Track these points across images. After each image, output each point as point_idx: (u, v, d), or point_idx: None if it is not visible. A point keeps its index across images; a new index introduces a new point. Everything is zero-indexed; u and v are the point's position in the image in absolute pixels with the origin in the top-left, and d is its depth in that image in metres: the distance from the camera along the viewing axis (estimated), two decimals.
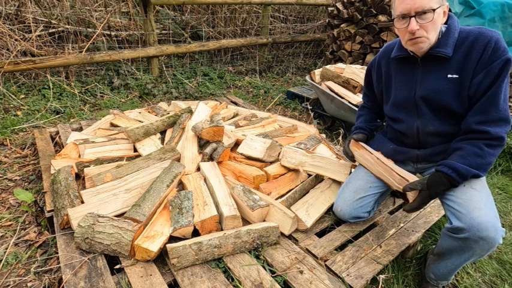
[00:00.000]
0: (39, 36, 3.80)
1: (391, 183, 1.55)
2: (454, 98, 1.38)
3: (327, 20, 4.61)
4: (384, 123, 1.84)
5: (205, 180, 1.93)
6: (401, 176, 1.50)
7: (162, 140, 2.47)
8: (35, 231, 1.82)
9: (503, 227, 2.15)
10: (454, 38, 1.34)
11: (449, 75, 1.36)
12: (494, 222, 1.24)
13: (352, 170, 1.90)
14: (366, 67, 1.94)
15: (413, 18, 1.31)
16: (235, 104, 3.66)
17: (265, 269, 1.47)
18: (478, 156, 1.32)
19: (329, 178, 1.99)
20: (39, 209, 1.96)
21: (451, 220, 1.34)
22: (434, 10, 1.27)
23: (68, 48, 3.84)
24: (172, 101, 3.26)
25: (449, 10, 3.14)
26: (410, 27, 1.31)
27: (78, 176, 2.00)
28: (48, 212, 1.76)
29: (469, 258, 1.36)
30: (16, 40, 3.51)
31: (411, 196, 1.46)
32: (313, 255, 1.58)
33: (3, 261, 1.61)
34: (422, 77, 1.44)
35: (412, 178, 1.48)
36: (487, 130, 1.30)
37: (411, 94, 1.49)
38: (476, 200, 1.30)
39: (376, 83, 1.72)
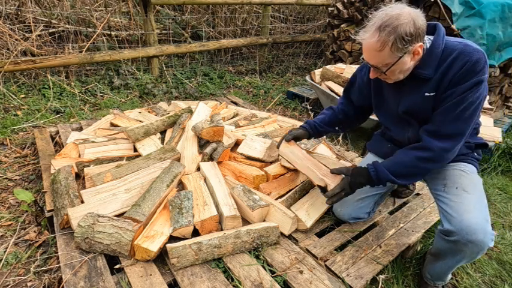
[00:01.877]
0: (39, 36, 3.80)
1: (315, 177, 1.66)
2: (431, 114, 1.37)
3: (327, 20, 4.61)
4: (340, 129, 1.87)
5: (205, 180, 1.93)
6: (327, 167, 1.68)
7: (162, 140, 2.47)
8: (34, 231, 1.82)
9: (503, 227, 2.16)
10: (437, 56, 1.29)
11: (426, 94, 1.34)
12: (483, 225, 1.25)
13: None
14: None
15: (372, 68, 1.34)
16: (235, 104, 3.66)
17: (265, 269, 1.47)
18: (404, 166, 1.39)
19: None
20: (39, 208, 1.96)
21: (443, 222, 1.36)
22: (393, 63, 1.26)
23: (68, 48, 3.84)
24: (172, 101, 3.26)
25: (448, 8, 3.10)
26: (370, 75, 1.38)
27: (78, 176, 1.99)
28: (48, 211, 1.76)
29: (461, 260, 1.38)
30: (16, 40, 3.51)
31: (335, 184, 1.58)
32: (313, 256, 1.58)
33: (3, 260, 1.61)
34: (405, 94, 1.43)
35: (336, 177, 1.61)
36: (430, 145, 1.33)
37: (395, 108, 1.49)
38: (466, 203, 1.31)
39: (362, 85, 1.66)
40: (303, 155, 1.78)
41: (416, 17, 1.20)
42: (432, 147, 1.32)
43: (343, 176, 1.56)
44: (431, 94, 1.33)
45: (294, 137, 1.81)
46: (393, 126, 1.60)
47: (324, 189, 1.62)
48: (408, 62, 1.28)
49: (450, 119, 1.29)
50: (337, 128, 1.85)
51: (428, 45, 1.30)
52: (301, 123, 1.92)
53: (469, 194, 1.35)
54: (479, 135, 1.54)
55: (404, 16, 1.19)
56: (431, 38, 1.32)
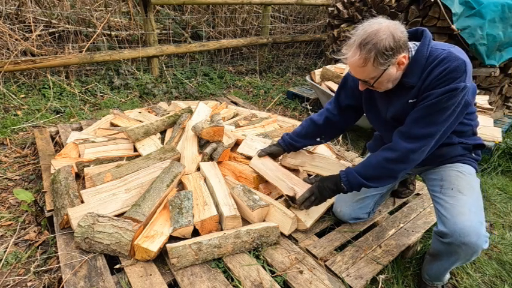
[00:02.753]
0: (39, 35, 3.80)
1: (284, 186, 1.74)
2: None
3: (327, 20, 4.61)
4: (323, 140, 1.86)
5: (205, 180, 1.93)
6: (299, 178, 1.79)
7: (162, 139, 2.47)
8: (34, 231, 1.82)
9: (503, 227, 2.15)
10: (421, 64, 1.29)
11: (410, 101, 1.35)
12: (476, 228, 1.25)
13: None
14: None
15: (360, 81, 1.37)
16: (235, 104, 3.66)
17: (265, 269, 1.47)
18: (372, 168, 1.42)
19: None
20: (39, 208, 1.96)
21: (438, 224, 1.37)
22: (379, 76, 1.28)
23: (68, 48, 3.84)
24: (172, 101, 3.26)
25: (448, 8, 3.10)
26: (360, 87, 1.41)
27: (78, 176, 1.99)
28: (48, 211, 1.76)
29: (455, 261, 1.38)
30: (16, 40, 3.51)
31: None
32: (313, 256, 1.58)
33: (3, 260, 1.61)
34: (393, 100, 1.44)
35: (306, 185, 1.70)
36: (396, 146, 1.36)
37: (384, 113, 1.50)
38: (461, 205, 1.32)
39: (354, 87, 1.62)
40: (274, 167, 1.87)
41: (394, 30, 1.21)
42: (399, 148, 1.34)
43: (310, 186, 1.64)
44: (413, 101, 1.34)
45: (268, 154, 1.90)
46: (383, 130, 1.62)
47: (292, 199, 1.68)
48: (394, 73, 1.29)
49: (421, 121, 1.30)
50: (318, 139, 1.83)
51: (413, 53, 1.31)
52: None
53: (464, 195, 1.35)
54: (477, 136, 1.54)
55: (383, 31, 1.20)
56: (417, 44, 1.32)
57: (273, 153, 1.90)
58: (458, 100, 1.24)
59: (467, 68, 1.22)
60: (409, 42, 1.30)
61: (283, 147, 1.88)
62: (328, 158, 1.99)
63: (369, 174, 1.43)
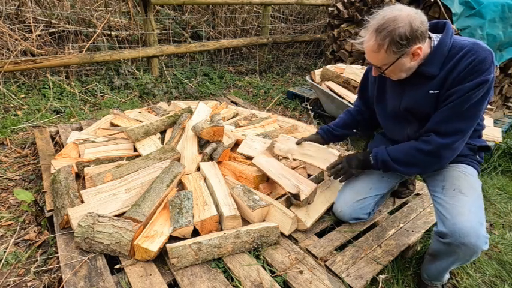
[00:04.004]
0: (39, 36, 3.80)
1: (287, 184, 1.76)
2: (434, 110, 1.38)
3: (327, 20, 4.60)
4: (358, 131, 1.89)
5: (205, 180, 1.93)
6: (306, 178, 1.83)
7: (162, 139, 2.47)
8: (34, 231, 1.82)
9: (503, 227, 2.15)
10: (443, 55, 1.29)
11: (430, 91, 1.35)
12: (476, 228, 1.25)
13: None
14: (366, 67, 1.92)
15: (373, 66, 1.38)
16: (235, 104, 3.66)
17: (265, 269, 1.47)
18: (402, 153, 1.46)
19: (325, 175, 1.98)
20: (39, 208, 1.96)
21: (438, 224, 1.38)
22: (391, 64, 1.29)
23: (68, 48, 3.83)
24: (172, 101, 3.26)
25: (448, 8, 3.09)
26: (372, 72, 1.43)
27: (78, 176, 1.99)
28: (48, 211, 1.76)
29: (454, 261, 1.38)
30: (16, 40, 3.51)
31: (309, 189, 1.74)
32: (313, 256, 1.58)
33: (3, 260, 1.61)
34: (408, 91, 1.44)
35: (311, 184, 1.78)
36: (430, 139, 1.37)
37: (397, 104, 1.50)
38: (461, 205, 1.32)
39: (371, 85, 1.69)
40: (278, 165, 1.89)
41: (413, 19, 1.20)
42: (432, 142, 1.36)
43: (315, 185, 1.77)
44: (435, 92, 1.33)
45: (307, 141, 1.89)
46: (392, 123, 1.61)
47: (296, 196, 1.70)
48: (408, 63, 1.29)
49: (453, 117, 1.30)
50: (355, 131, 1.87)
51: (435, 43, 1.31)
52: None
53: (465, 196, 1.35)
54: (482, 138, 1.54)
55: (402, 19, 1.20)
56: (440, 36, 1.32)
57: (311, 141, 1.90)
58: (487, 92, 1.25)
59: (493, 59, 1.23)
60: (431, 34, 1.31)
61: (321, 135, 1.89)
62: (316, 145, 1.93)
63: (397, 157, 1.46)
